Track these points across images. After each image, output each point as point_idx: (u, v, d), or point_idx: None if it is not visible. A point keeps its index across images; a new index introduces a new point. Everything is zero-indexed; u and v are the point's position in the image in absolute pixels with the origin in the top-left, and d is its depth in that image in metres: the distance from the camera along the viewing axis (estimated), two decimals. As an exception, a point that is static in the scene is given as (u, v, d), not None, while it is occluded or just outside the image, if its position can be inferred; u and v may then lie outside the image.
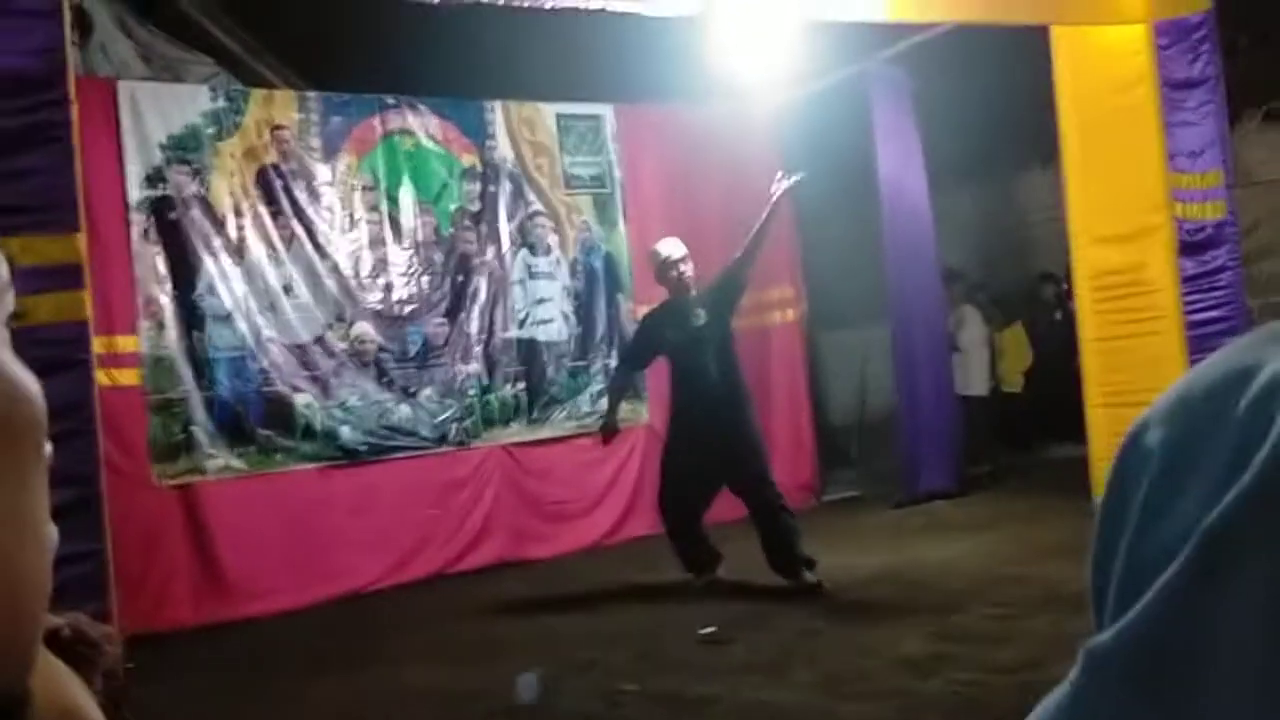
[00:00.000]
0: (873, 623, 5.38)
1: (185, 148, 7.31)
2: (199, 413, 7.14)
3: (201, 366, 7.20)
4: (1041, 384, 9.93)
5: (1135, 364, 7.26)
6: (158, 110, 7.26)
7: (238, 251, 7.44)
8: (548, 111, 8.65)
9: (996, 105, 9.31)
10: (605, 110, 8.85)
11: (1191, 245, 7.29)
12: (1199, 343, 7.17)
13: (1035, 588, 5.54)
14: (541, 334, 8.37)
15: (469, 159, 8.32)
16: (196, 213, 7.31)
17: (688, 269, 6.45)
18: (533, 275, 8.46)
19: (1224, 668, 0.46)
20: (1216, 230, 7.44)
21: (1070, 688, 0.52)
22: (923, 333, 8.77)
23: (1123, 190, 7.31)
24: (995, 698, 4.12)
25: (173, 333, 7.13)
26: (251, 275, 7.45)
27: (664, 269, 6.45)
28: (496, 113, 8.45)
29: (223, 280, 7.35)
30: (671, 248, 6.57)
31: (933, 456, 8.60)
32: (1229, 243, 7.49)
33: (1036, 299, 10.59)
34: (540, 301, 8.45)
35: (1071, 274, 8.63)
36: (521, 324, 8.35)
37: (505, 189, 8.42)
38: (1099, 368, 7.46)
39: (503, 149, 8.44)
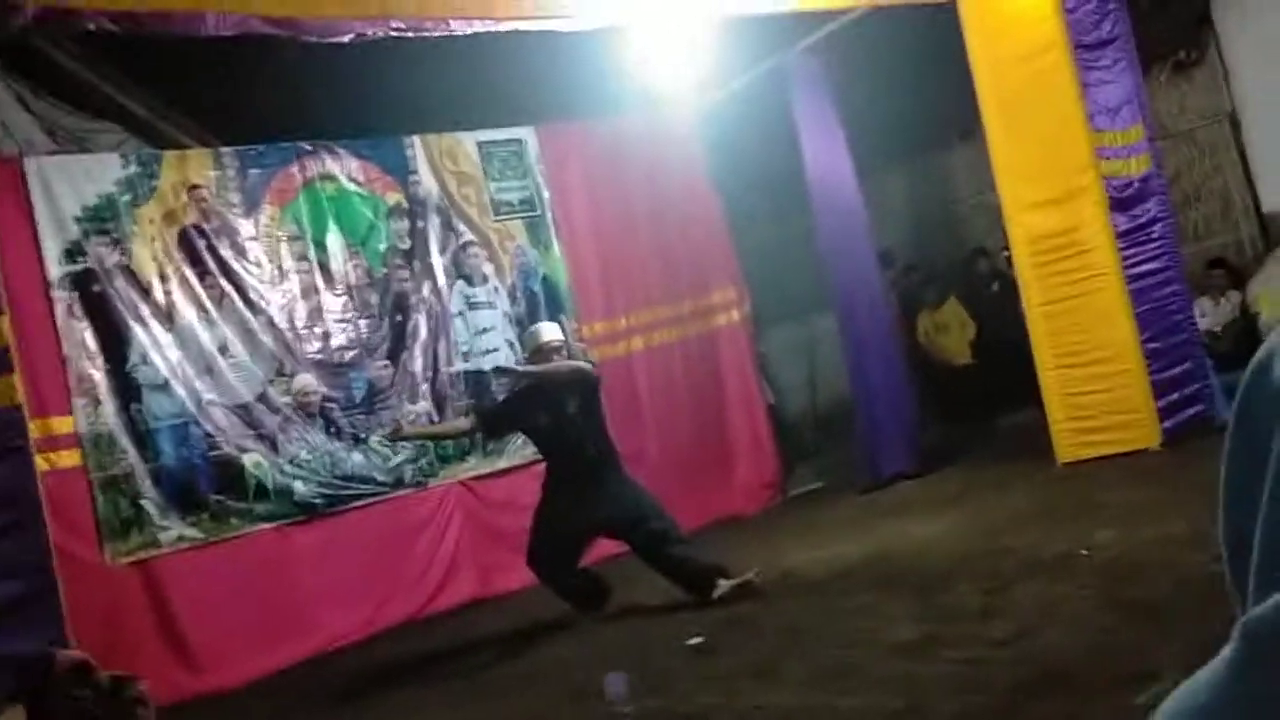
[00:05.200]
0: (858, 612, 5.32)
1: (102, 218, 7.12)
2: (146, 485, 6.93)
3: (143, 438, 7.00)
4: (988, 356, 10.00)
5: (1082, 324, 7.33)
6: (68, 183, 7.06)
7: (168, 317, 7.25)
8: (468, 140, 8.55)
9: (914, 86, 9.37)
10: (527, 133, 8.77)
11: (1121, 201, 7.38)
12: (1141, 295, 7.26)
13: (1015, 557, 5.52)
14: (488, 364, 8.25)
15: (394, 197, 8.20)
16: (121, 283, 7.11)
17: (563, 356, 6.47)
18: (472, 306, 8.34)
19: None
20: (1143, 184, 7.54)
21: (1228, 664, 0.45)
22: (868, 317, 8.78)
23: (1048, 155, 7.38)
24: (996, 672, 4.08)
25: (110, 407, 6.92)
26: (185, 340, 7.27)
27: (543, 353, 6.41)
28: (416, 147, 8.34)
29: (155, 348, 7.16)
30: (552, 333, 6.62)
31: (892, 439, 8.60)
32: (1157, 194, 7.60)
33: (972, 274, 10.67)
34: (483, 331, 8.33)
35: (1003, 245, 8.72)
36: (466, 356, 8.23)
37: (434, 223, 8.30)
38: (1047, 331, 7.52)
39: (427, 183, 8.32)
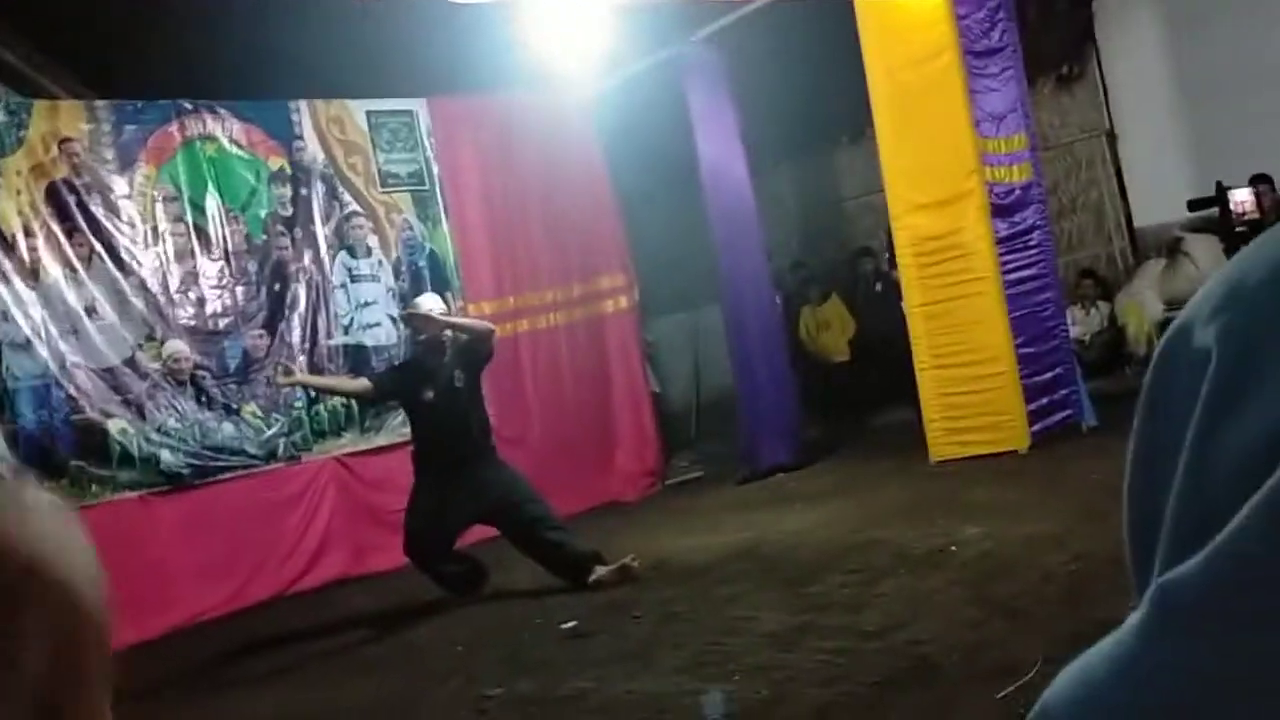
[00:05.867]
0: (732, 601, 5.37)
1: (-36, 166, 6.78)
2: (2, 448, 6.63)
3: (1, 398, 6.69)
4: (867, 355, 10.17)
5: (959, 325, 7.49)
6: (-69, 124, 6.71)
7: (32, 274, 6.95)
8: (357, 109, 8.36)
9: (809, 83, 9.47)
10: (418, 104, 8.61)
11: (1002, 207, 7.56)
12: (1016, 300, 7.45)
13: (885, 551, 5.63)
14: (369, 338, 8.09)
15: (276, 161, 7.97)
16: (-17, 234, 6.79)
17: (446, 332, 6.31)
18: (354, 279, 8.17)
19: None
20: (1024, 192, 7.74)
21: (1136, 633, 0.43)
22: (754, 310, 8.84)
23: (935, 158, 7.51)
24: (864, 662, 4.15)
25: (-35, 363, 6.60)
26: (49, 298, 6.98)
27: (427, 325, 6.25)
28: (303, 112, 8.13)
29: (17, 305, 6.86)
30: (434, 303, 6.48)
31: (771, 431, 8.69)
32: (1037, 203, 7.81)
33: (856, 273, 10.84)
34: (365, 305, 8.16)
35: (887, 247, 8.88)
36: (347, 329, 8.05)
37: (318, 190, 8.10)
38: (925, 331, 7.66)
39: (312, 149, 8.12)
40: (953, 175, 7.46)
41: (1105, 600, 3.89)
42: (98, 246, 7.18)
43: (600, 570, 6.03)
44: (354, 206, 8.24)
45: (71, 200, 7.14)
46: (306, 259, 7.98)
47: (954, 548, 5.40)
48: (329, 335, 7.96)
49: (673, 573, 6.13)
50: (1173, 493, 0.45)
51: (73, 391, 6.95)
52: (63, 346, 6.96)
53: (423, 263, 8.46)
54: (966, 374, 7.45)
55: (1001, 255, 7.45)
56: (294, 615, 6.79)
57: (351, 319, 8.09)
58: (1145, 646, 0.43)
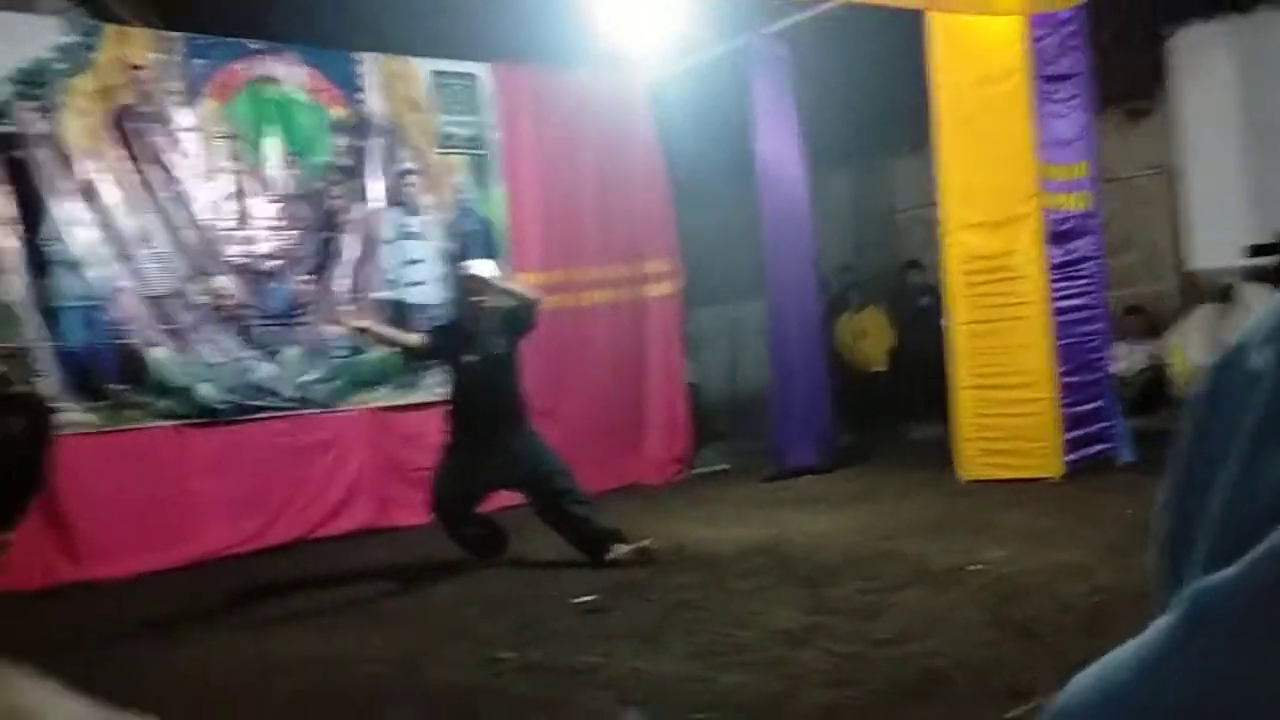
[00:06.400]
0: (747, 594, 5.38)
1: (32, 82, 6.87)
2: (46, 364, 6.71)
3: (48, 315, 6.77)
4: (905, 367, 10.14)
5: (1002, 347, 7.46)
6: (3, 40, 6.78)
7: (89, 196, 7.01)
8: (422, 67, 8.38)
9: (872, 88, 9.42)
10: (483, 69, 8.63)
11: (1058, 234, 7.52)
12: (1063, 329, 7.41)
13: (905, 562, 5.62)
14: (413, 296, 8.13)
15: (339, 111, 8.02)
16: (45, 152, 6.88)
17: (495, 297, 6.31)
18: (405, 235, 8.21)
19: None
20: (1081, 221, 7.68)
21: (1165, 637, 0.44)
22: (796, 311, 8.83)
23: (994, 178, 7.48)
24: (874, 669, 4.15)
25: (17, 278, 6.68)
26: (104, 222, 7.04)
27: (478, 288, 6.25)
28: (368, 65, 8.15)
29: (72, 225, 6.92)
30: (491, 269, 6.46)
31: (802, 433, 8.68)
32: (1092, 234, 7.76)
33: (903, 285, 10.79)
34: (412, 262, 8.21)
35: (937, 261, 8.83)
36: (392, 284, 8.10)
37: (377, 144, 8.14)
38: (968, 350, 7.63)
39: (374, 103, 8.16)
40: (1010, 197, 7.42)
41: (1124, 634, 3.78)
42: (156, 176, 7.24)
43: (619, 549, 6.06)
44: (410, 164, 8.28)
45: (134, 127, 7.19)
46: (360, 210, 8.02)
47: (975, 567, 5.38)
48: (375, 288, 8.01)
49: (691, 560, 6.14)
50: (1214, 505, 0.46)
51: (119, 316, 7.02)
52: (113, 271, 7.03)
53: (473, 227, 8.49)
54: (1005, 396, 7.43)
55: (1052, 282, 7.41)
56: (314, 561, 6.85)
57: (398, 275, 8.14)
58: (1174, 649, 0.43)
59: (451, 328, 6.60)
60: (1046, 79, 7.55)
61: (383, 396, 7.97)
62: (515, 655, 4.63)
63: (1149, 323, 9.39)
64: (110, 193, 7.08)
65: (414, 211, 8.27)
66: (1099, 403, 7.56)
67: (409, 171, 8.28)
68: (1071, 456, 7.31)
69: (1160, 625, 0.44)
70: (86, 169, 7.02)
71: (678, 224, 9.57)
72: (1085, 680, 0.46)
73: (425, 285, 8.21)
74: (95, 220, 7.00)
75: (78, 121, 7.01)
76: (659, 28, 7.78)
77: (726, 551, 6.25)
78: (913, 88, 8.00)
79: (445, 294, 8.19)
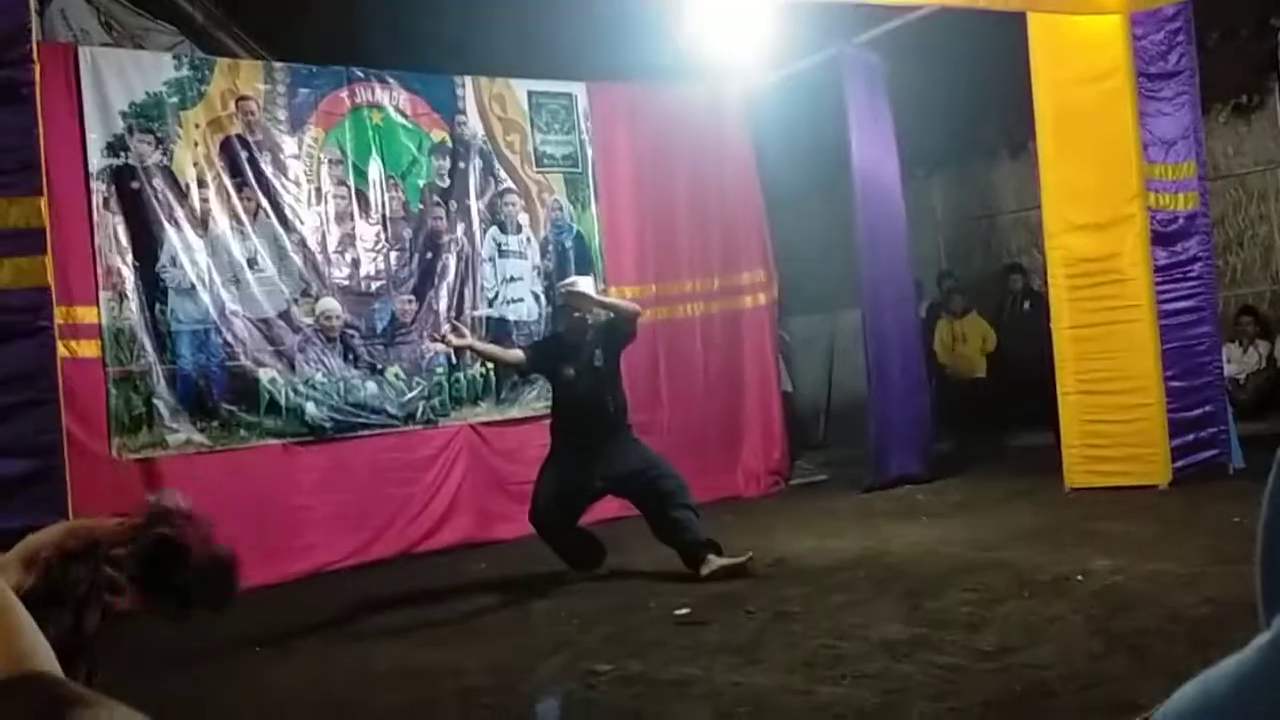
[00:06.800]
0: (848, 606, 5.33)
1: (148, 116, 7.15)
2: (161, 386, 6.99)
3: (163, 339, 7.05)
4: (1007, 373, 9.96)
5: (1108, 351, 7.29)
6: (120, 77, 7.09)
7: (202, 223, 7.29)
8: (519, 88, 8.53)
9: (968, 93, 9.31)
10: (578, 88, 8.75)
11: (1164, 235, 7.33)
12: (1171, 332, 7.22)
13: (1009, 573, 5.52)
14: (511, 313, 8.27)
15: (439, 134, 8.20)
16: (159, 182, 7.16)
17: (593, 314, 6.45)
18: (503, 253, 8.35)
19: None
20: (1188, 221, 7.48)
21: (1265, 649, 0.44)
22: (893, 318, 8.74)
23: (1098, 179, 7.33)
24: (976, 682, 4.08)
25: (134, 304, 6.97)
26: (215, 248, 7.30)
27: (580, 303, 6.36)
28: (467, 88, 8.33)
29: (186, 252, 7.20)
30: (589, 286, 6.62)
31: (902, 441, 8.59)
32: (1200, 234, 7.55)
33: (1004, 289, 10.62)
34: (510, 280, 8.34)
35: (1038, 265, 8.68)
36: (491, 303, 8.25)
37: (475, 165, 8.30)
38: (1072, 355, 7.48)
39: (473, 125, 8.32)
40: (1114, 198, 7.27)
41: (1234, 645, 3.73)
42: (264, 202, 7.48)
43: (716, 561, 6.06)
44: (508, 183, 8.42)
45: (243, 156, 7.45)
46: (459, 230, 8.19)
47: (1081, 577, 5.27)
48: (474, 306, 8.16)
49: (790, 573, 6.11)
50: None
51: (229, 338, 7.27)
52: (224, 295, 7.27)
53: (569, 243, 8.61)
54: (1112, 402, 7.26)
55: (1159, 284, 7.23)
56: (416, 575, 6.96)
57: (497, 293, 8.28)
58: (1266, 667, 0.44)
59: (549, 343, 6.71)
60: (1150, 77, 7.38)
61: (483, 412, 8.10)
62: (613, 668, 4.66)
63: (1264, 324, 9.09)
64: (220, 219, 7.33)
65: (512, 230, 8.41)
66: (1208, 407, 7.34)
67: (507, 190, 8.43)
68: (1180, 463, 7.11)
69: (1258, 642, 0.45)
70: (198, 197, 7.28)
71: (773, 233, 9.55)
72: (1187, 692, 0.47)
73: (523, 302, 8.34)
74: (206, 246, 7.26)
75: (190, 152, 7.28)
76: (752, 40, 7.79)
77: (827, 563, 6.21)
78: (1009, 91, 7.88)
79: (544, 310, 8.32)
